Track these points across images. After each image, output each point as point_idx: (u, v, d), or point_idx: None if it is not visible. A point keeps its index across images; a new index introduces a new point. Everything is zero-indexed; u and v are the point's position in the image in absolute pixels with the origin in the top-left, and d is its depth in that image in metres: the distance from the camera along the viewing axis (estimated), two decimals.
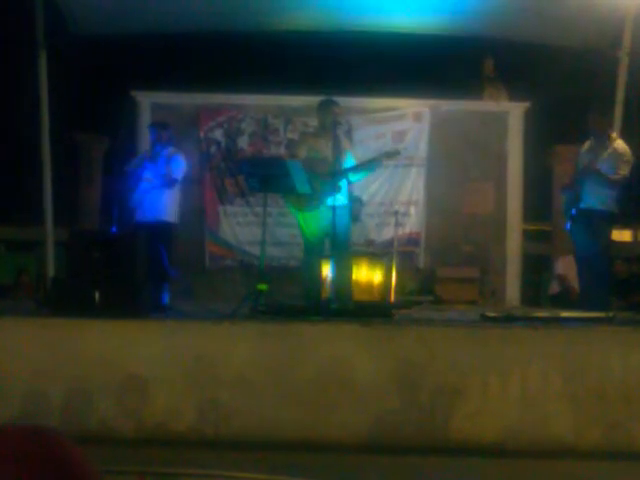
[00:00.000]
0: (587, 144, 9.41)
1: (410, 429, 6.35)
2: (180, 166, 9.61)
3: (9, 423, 1.80)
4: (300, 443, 6.15)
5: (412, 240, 13.32)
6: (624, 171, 9.08)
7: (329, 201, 8.39)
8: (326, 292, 9.04)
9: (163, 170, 9.44)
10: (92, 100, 14.63)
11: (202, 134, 13.40)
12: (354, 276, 9.43)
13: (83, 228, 13.20)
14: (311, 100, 11.92)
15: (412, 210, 13.36)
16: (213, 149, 13.43)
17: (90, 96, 14.61)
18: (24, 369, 6.36)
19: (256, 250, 11.63)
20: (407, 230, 13.16)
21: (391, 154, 9.75)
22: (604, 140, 9.19)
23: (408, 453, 6.11)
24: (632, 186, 9.58)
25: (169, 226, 9.61)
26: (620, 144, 9.24)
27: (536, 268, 15.55)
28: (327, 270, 9.15)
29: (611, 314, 7.69)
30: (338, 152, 8.55)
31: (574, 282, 11.24)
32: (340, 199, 8.53)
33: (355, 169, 8.73)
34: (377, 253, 11.63)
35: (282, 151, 13.07)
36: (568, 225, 9.36)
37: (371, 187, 12.57)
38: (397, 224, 11.91)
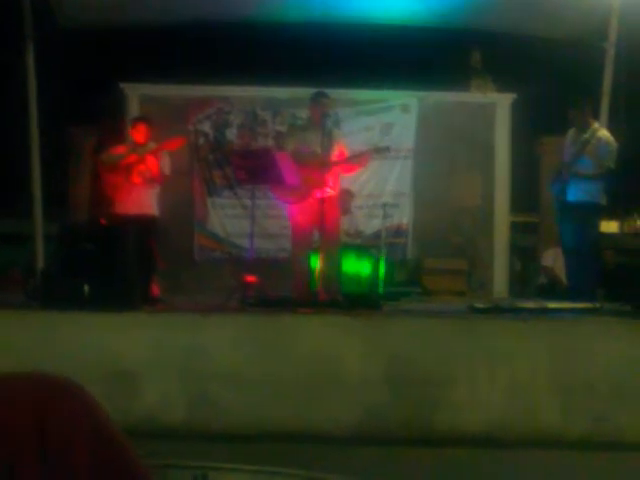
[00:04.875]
0: (570, 135, 9.46)
1: (398, 420, 6.39)
2: (168, 161, 9.63)
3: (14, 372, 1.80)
4: (290, 435, 6.19)
5: (400, 232, 13.33)
6: (609, 162, 9.13)
7: (318, 193, 8.43)
8: (315, 284, 9.06)
9: (154, 165, 9.45)
10: (81, 93, 14.61)
11: (190, 126, 13.37)
12: (342, 268, 9.47)
13: (73, 221, 13.17)
14: (299, 92, 11.95)
15: (400, 202, 13.36)
16: (201, 141, 13.41)
17: (79, 89, 14.60)
18: (13, 362, 6.37)
19: (245, 242, 11.65)
20: (395, 222, 13.16)
21: (381, 150, 9.79)
22: (586, 131, 9.25)
23: (396, 444, 6.15)
24: (619, 177, 9.63)
25: (154, 219, 9.64)
26: (604, 134, 9.30)
27: (523, 260, 15.61)
28: (316, 262, 9.17)
29: (598, 305, 7.75)
30: (327, 144, 8.57)
31: (561, 274, 11.29)
32: (329, 191, 8.56)
33: (344, 162, 8.76)
34: (365, 245, 11.65)
35: (270, 143, 13.07)
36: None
37: (359, 179, 12.56)
38: (385, 216, 11.92)
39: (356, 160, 8.90)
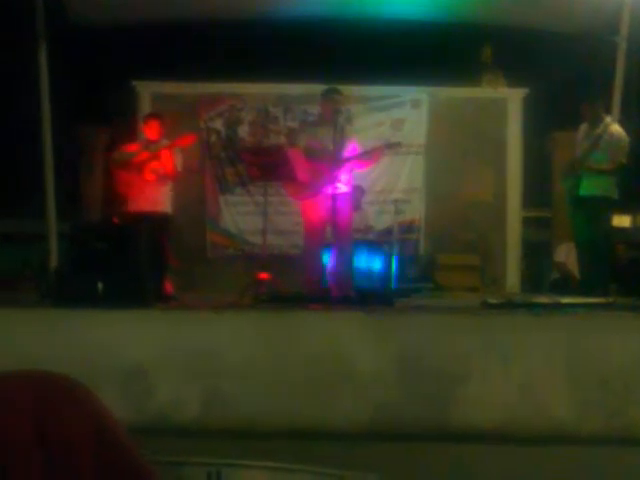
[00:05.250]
0: (582, 130, 9.46)
1: (411, 416, 6.38)
2: (180, 158, 9.66)
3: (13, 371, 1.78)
4: (302, 431, 6.19)
5: (412, 228, 13.32)
6: (621, 157, 9.12)
7: (330, 189, 8.43)
8: (327, 280, 9.07)
9: (167, 162, 9.47)
10: (93, 91, 14.62)
11: (202, 123, 13.38)
12: (355, 264, 9.46)
13: (86, 219, 13.20)
14: (311, 88, 11.93)
15: (411, 198, 13.35)
16: (213, 138, 13.41)
17: (91, 87, 14.60)
18: (28, 361, 6.39)
19: (257, 239, 11.64)
20: (407, 218, 13.15)
21: (392, 145, 9.78)
22: (599, 126, 9.24)
23: (409, 440, 6.14)
24: (631, 171, 9.62)
25: (167, 217, 9.67)
26: (615, 129, 9.28)
27: (536, 255, 15.57)
28: (328, 258, 9.17)
29: (611, 300, 7.73)
30: (339, 140, 8.57)
31: (574, 269, 11.26)
32: (341, 187, 8.56)
33: (356, 158, 8.75)
34: (377, 241, 11.65)
35: (282, 140, 13.06)
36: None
37: (370, 175, 12.54)
38: (397, 212, 11.93)
39: (368, 156, 8.90)
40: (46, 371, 1.74)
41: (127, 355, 6.46)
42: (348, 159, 8.63)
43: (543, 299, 8.44)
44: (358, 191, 10.85)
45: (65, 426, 1.61)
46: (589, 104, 9.39)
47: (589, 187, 9.14)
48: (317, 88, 9.81)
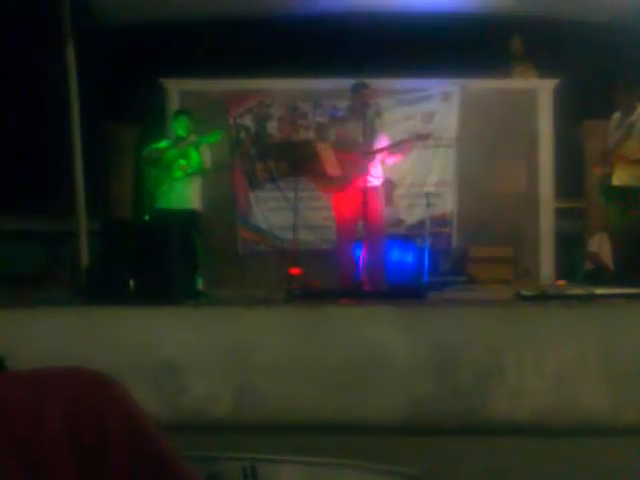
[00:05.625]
0: (615, 119, 9.38)
1: (446, 410, 6.35)
2: (209, 155, 9.67)
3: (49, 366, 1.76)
4: (336, 426, 6.17)
5: (444, 221, 13.28)
6: None
7: (361, 183, 8.41)
8: (359, 275, 9.04)
9: (197, 158, 9.49)
10: (121, 89, 14.65)
11: (231, 120, 13.40)
12: (387, 258, 9.44)
13: (116, 217, 13.24)
14: (339, 83, 11.89)
15: (443, 191, 13.31)
16: (242, 135, 13.42)
17: (119, 85, 14.63)
18: (60, 358, 6.39)
19: (288, 235, 11.62)
20: (439, 211, 13.11)
21: (422, 137, 9.74)
22: (632, 114, 9.16)
23: (444, 434, 6.11)
24: None
25: (197, 213, 9.68)
26: None
27: (569, 246, 15.47)
28: (360, 253, 9.15)
29: None
30: (369, 134, 8.54)
31: (607, 259, 11.18)
32: (371, 181, 8.53)
33: (385, 151, 8.72)
34: (410, 235, 11.62)
35: (311, 135, 13.05)
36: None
37: (401, 168, 12.49)
38: (428, 205, 11.90)
39: (398, 148, 8.86)
40: (81, 367, 1.72)
41: (159, 352, 6.46)
42: (378, 152, 8.59)
43: (577, 290, 8.38)
44: (389, 185, 10.81)
45: (99, 423, 1.59)
46: (622, 92, 9.31)
47: (622, 177, 9.06)
48: (346, 83, 9.79)
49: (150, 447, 1.63)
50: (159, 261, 7.21)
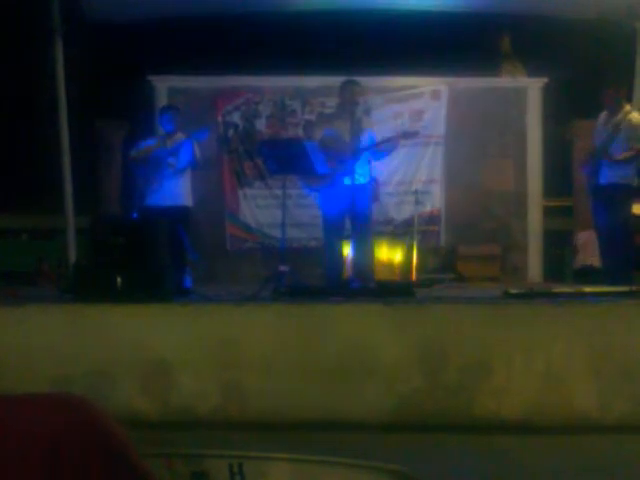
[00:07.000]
0: (602, 118, 9.39)
1: (434, 407, 6.35)
2: (198, 150, 9.64)
3: (35, 392, 1.79)
4: (324, 423, 6.17)
5: (432, 218, 13.31)
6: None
7: (348, 181, 8.41)
8: (347, 272, 9.04)
9: (188, 155, 9.46)
10: (110, 86, 14.64)
11: (220, 117, 13.41)
12: (375, 255, 9.44)
13: (105, 214, 13.23)
14: (328, 80, 11.92)
15: (432, 188, 13.33)
16: (231, 132, 13.43)
17: (107, 82, 14.62)
18: (49, 355, 6.39)
19: (276, 232, 11.66)
20: (427, 208, 13.14)
21: (409, 134, 9.73)
22: (618, 114, 9.17)
23: (432, 431, 6.12)
24: None
25: (187, 210, 9.66)
26: (635, 117, 9.20)
27: (557, 244, 15.51)
28: (348, 250, 9.15)
29: (634, 288, 7.67)
30: (357, 132, 8.54)
31: (594, 257, 11.21)
32: (359, 179, 8.53)
33: (373, 149, 8.71)
34: (398, 232, 11.63)
35: (300, 132, 13.06)
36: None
37: (389, 166, 12.51)
38: (417, 203, 11.91)
39: (385, 146, 8.86)
40: (62, 393, 1.75)
41: (148, 349, 6.45)
42: (365, 150, 8.59)
43: (565, 288, 8.40)
44: (373, 182, 10.83)
45: (78, 449, 1.61)
46: (612, 90, 9.31)
47: (609, 175, 9.08)
48: (334, 80, 9.81)
49: (124, 468, 1.65)
50: (147, 258, 7.19)
